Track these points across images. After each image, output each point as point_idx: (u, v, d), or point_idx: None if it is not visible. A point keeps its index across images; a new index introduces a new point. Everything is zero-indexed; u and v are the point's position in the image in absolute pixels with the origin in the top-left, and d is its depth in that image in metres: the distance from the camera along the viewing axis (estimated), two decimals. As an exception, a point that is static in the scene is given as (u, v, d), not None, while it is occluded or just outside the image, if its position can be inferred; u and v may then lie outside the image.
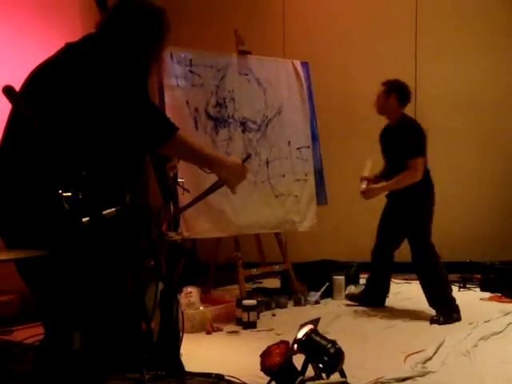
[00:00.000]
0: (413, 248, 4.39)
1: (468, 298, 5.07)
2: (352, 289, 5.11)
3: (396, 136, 4.42)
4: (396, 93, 4.43)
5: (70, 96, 2.03)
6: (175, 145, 2.12)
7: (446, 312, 4.24)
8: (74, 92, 2.04)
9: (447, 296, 4.33)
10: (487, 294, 5.12)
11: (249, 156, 2.54)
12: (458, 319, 4.24)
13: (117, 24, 2.23)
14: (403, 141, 4.34)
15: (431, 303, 4.32)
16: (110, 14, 2.29)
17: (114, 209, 1.72)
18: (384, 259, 4.66)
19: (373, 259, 4.71)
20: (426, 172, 4.43)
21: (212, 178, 2.46)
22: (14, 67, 3.70)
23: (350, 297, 4.90)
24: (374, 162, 4.67)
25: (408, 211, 4.39)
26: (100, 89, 2.04)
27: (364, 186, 4.50)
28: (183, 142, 2.17)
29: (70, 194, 1.54)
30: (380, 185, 4.50)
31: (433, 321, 4.19)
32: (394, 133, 4.45)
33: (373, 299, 4.72)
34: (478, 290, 5.33)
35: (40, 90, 2.09)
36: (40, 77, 2.15)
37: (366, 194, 4.44)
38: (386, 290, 4.77)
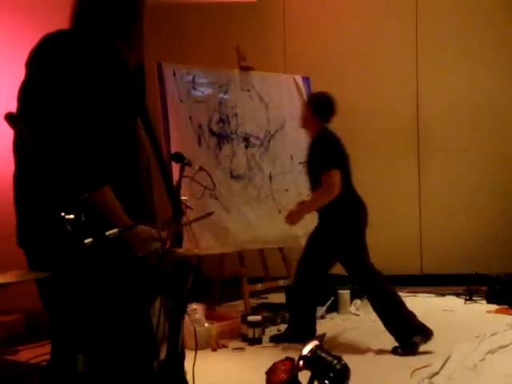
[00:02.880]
0: (350, 275, 4.15)
1: (474, 311, 5.05)
2: (358, 303, 5.09)
3: (310, 151, 4.13)
4: (313, 106, 4.17)
5: (55, 106, 1.90)
6: (96, 198, 1.87)
7: (405, 338, 3.81)
8: (55, 101, 1.89)
9: (401, 317, 3.87)
10: (494, 307, 5.09)
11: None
12: (422, 341, 3.77)
13: (89, 15, 2.02)
14: (315, 155, 4.07)
15: (387, 329, 3.91)
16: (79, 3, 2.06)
17: (116, 229, 1.72)
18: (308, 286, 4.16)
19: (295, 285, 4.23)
20: (348, 187, 4.04)
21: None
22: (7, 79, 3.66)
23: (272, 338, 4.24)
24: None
25: (336, 238, 4.00)
26: (75, 95, 1.88)
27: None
28: (107, 198, 1.93)
29: (72, 216, 1.55)
30: (299, 207, 4.17)
31: (393, 351, 3.85)
32: (309, 148, 4.15)
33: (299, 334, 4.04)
34: (484, 302, 5.30)
35: (30, 107, 1.97)
36: (28, 86, 2.00)
37: (288, 219, 4.15)
38: (312, 326, 4.18)
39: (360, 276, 4.06)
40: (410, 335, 3.79)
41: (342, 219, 4.00)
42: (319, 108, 4.15)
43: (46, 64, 1.94)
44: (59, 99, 1.87)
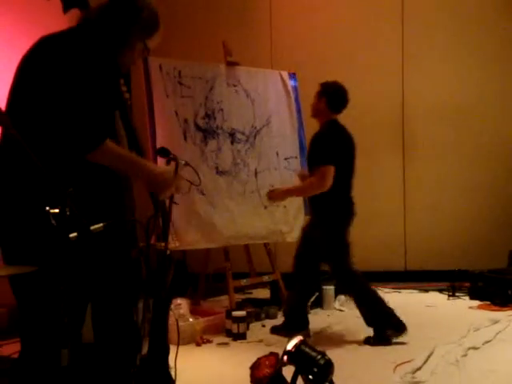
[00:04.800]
0: (333, 274, 4.18)
1: (457, 307, 5.10)
2: (342, 299, 5.11)
3: (312, 142, 4.09)
4: (325, 96, 4.05)
5: (44, 100, 1.98)
6: (103, 152, 2.00)
7: (379, 330, 3.96)
8: (47, 95, 1.98)
9: (378, 313, 3.99)
10: (476, 303, 5.14)
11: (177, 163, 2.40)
12: (394, 335, 3.92)
13: (98, 19, 2.15)
14: (316, 148, 4.03)
15: (366, 322, 4.03)
16: (97, 10, 2.19)
17: (101, 224, 1.71)
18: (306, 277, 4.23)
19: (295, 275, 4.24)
20: (344, 185, 4.05)
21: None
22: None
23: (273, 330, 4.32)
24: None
25: (320, 237, 4.04)
26: (61, 89, 1.96)
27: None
28: (111, 149, 2.05)
29: (57, 210, 1.54)
30: (285, 188, 4.24)
31: (365, 341, 3.99)
32: (312, 139, 4.10)
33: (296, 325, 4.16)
34: (467, 298, 5.34)
35: (21, 99, 2.04)
36: (19, 84, 2.09)
37: (269, 195, 4.19)
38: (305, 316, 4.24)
39: (343, 274, 4.09)
40: (384, 328, 3.94)
41: (332, 217, 4.01)
42: (332, 99, 4.04)
43: (43, 63, 2.02)
44: (55, 91, 1.96)
